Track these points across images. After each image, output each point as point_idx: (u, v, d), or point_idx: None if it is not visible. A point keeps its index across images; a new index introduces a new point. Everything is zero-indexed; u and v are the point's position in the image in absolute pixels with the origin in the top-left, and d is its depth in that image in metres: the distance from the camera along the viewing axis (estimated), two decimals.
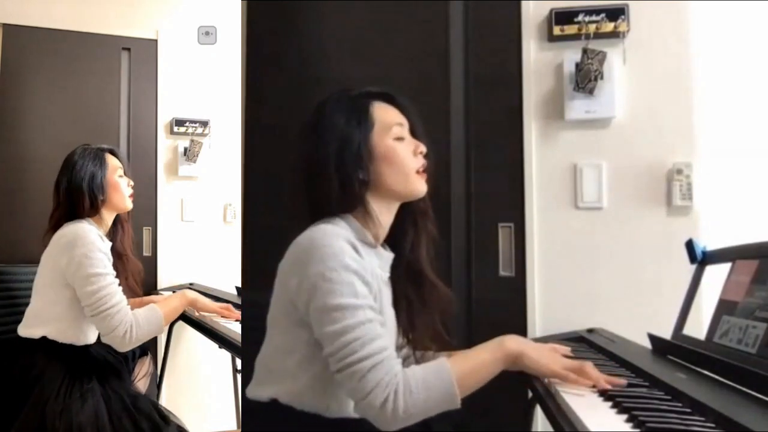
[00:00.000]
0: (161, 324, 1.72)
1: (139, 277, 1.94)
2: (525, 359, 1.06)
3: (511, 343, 1.07)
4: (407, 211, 1.22)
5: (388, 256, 1.20)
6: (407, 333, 1.24)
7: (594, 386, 1.05)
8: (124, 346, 1.66)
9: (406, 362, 1.27)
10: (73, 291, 1.68)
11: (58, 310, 1.70)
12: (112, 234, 1.87)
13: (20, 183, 2.69)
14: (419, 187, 1.17)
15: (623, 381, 1.07)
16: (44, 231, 1.80)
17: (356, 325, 1.01)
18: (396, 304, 1.22)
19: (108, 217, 1.85)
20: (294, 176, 1.20)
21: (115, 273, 1.72)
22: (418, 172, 1.17)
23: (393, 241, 1.22)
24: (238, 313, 1.95)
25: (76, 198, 1.77)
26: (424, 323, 1.23)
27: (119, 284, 1.74)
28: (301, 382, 1.08)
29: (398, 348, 1.24)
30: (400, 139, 1.17)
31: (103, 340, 1.66)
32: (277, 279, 1.12)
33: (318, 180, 1.15)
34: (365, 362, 0.99)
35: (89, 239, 1.68)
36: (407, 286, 1.23)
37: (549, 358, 1.08)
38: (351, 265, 1.04)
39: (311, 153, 1.16)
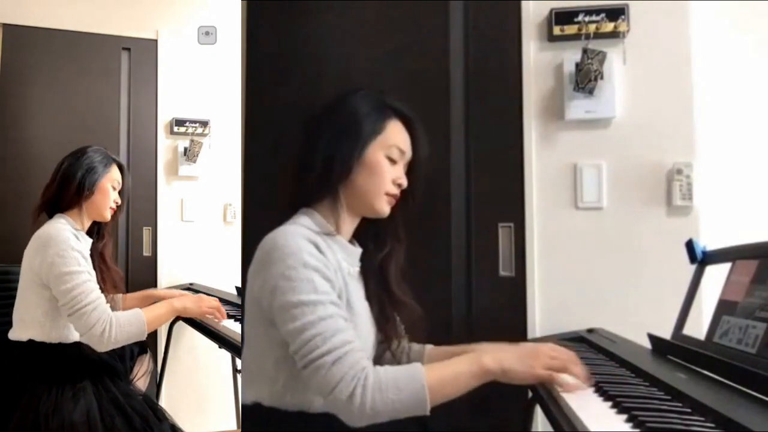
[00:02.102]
0: (143, 329, 1.69)
1: (121, 284, 1.94)
2: (504, 374, 1.03)
3: (488, 360, 1.03)
4: (385, 231, 1.25)
5: (356, 250, 1.22)
6: (380, 324, 1.25)
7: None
8: (101, 346, 1.62)
9: (382, 358, 1.29)
10: (51, 291, 1.67)
11: (40, 313, 1.69)
12: (96, 240, 1.87)
13: (20, 183, 2.69)
14: (383, 207, 1.20)
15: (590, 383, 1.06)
16: (35, 215, 1.83)
17: (316, 321, 1.02)
18: (369, 299, 1.24)
19: (86, 218, 1.84)
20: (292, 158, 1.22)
21: (91, 270, 1.71)
22: (388, 194, 1.19)
23: (367, 248, 1.25)
24: (224, 313, 1.94)
25: (68, 181, 1.79)
26: (397, 322, 1.26)
27: (102, 283, 1.75)
28: (280, 382, 1.09)
29: (379, 342, 1.26)
30: (392, 160, 1.19)
31: (81, 339, 1.64)
32: (247, 284, 1.14)
33: (306, 160, 1.18)
34: (327, 357, 0.99)
35: (61, 238, 1.67)
36: (379, 290, 1.25)
37: (527, 365, 1.04)
38: (310, 261, 1.05)
39: (313, 135, 1.19)
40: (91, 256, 1.80)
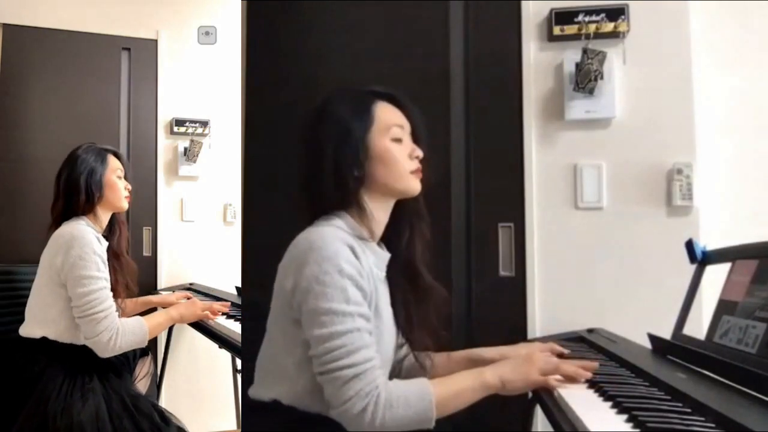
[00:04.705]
0: (145, 337, 1.74)
1: (134, 276, 1.95)
2: (504, 387, 1.08)
3: (490, 376, 1.08)
4: (403, 212, 1.23)
5: (385, 255, 1.21)
6: (406, 330, 1.24)
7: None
8: (105, 352, 1.66)
9: (404, 361, 1.29)
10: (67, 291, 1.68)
11: (55, 312, 1.70)
12: (109, 234, 1.88)
13: (20, 183, 2.69)
14: (413, 185, 1.18)
15: (595, 364, 1.12)
16: (46, 228, 1.82)
17: (343, 332, 1.02)
18: (393, 302, 1.23)
19: (104, 215, 1.85)
20: (295, 172, 1.21)
21: (108, 277, 1.73)
22: (411, 172, 1.18)
23: (388, 240, 1.23)
24: (221, 307, 1.97)
25: (74, 192, 1.79)
26: (422, 319, 1.24)
27: (114, 284, 1.76)
28: (300, 383, 1.09)
29: (399, 346, 1.26)
30: (397, 140, 1.18)
31: (86, 343, 1.66)
32: (277, 279, 1.13)
33: (316, 176, 1.16)
34: (347, 371, 1.00)
35: (86, 240, 1.69)
36: (404, 284, 1.24)
37: (523, 374, 1.09)
38: (346, 269, 1.05)
39: (311, 149, 1.18)
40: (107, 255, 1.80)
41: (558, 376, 1.09)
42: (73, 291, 1.66)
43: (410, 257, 1.23)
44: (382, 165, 1.16)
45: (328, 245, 1.06)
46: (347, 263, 1.05)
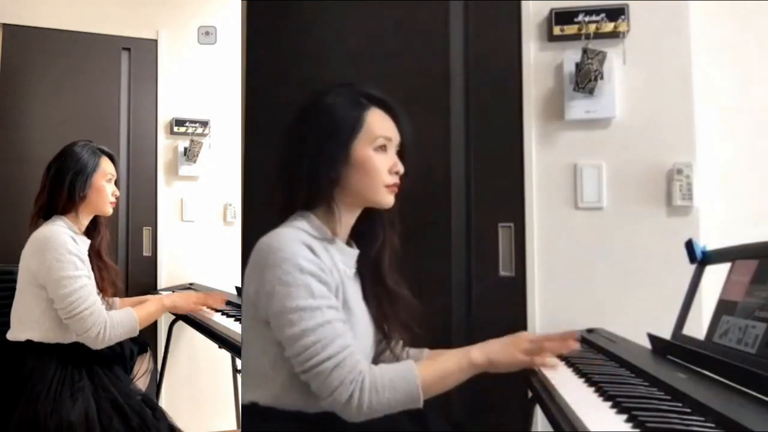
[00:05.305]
0: (135, 327, 1.75)
1: (118, 278, 1.95)
2: (491, 366, 1.10)
3: (476, 354, 1.10)
4: (376, 221, 1.23)
5: (353, 252, 1.21)
6: (381, 325, 1.25)
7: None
8: (97, 345, 1.68)
9: (382, 356, 1.29)
10: (48, 292, 1.68)
11: (38, 313, 1.70)
12: (91, 235, 1.86)
13: (20, 183, 2.69)
14: (386, 199, 1.17)
15: (576, 345, 1.17)
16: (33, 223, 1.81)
17: (315, 327, 1.03)
18: (366, 300, 1.23)
19: (84, 217, 1.82)
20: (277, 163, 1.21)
21: (90, 274, 1.72)
22: (387, 186, 1.16)
23: (360, 245, 1.23)
24: (215, 302, 1.97)
25: (57, 187, 1.76)
26: (395, 315, 1.25)
27: (101, 282, 1.77)
28: (277, 382, 1.10)
29: (377, 342, 1.26)
30: (381, 148, 1.16)
31: (78, 339, 1.68)
32: (243, 286, 1.14)
33: (291, 170, 1.16)
34: (327, 363, 1.02)
35: (60, 242, 1.67)
36: (375, 287, 1.24)
37: (510, 354, 1.11)
38: (306, 266, 1.05)
39: (294, 141, 1.18)
40: (89, 254, 1.79)
41: (543, 359, 1.11)
42: (54, 294, 1.65)
43: (378, 265, 1.24)
44: (360, 173, 1.15)
45: (286, 247, 1.06)
46: (306, 261, 1.06)
